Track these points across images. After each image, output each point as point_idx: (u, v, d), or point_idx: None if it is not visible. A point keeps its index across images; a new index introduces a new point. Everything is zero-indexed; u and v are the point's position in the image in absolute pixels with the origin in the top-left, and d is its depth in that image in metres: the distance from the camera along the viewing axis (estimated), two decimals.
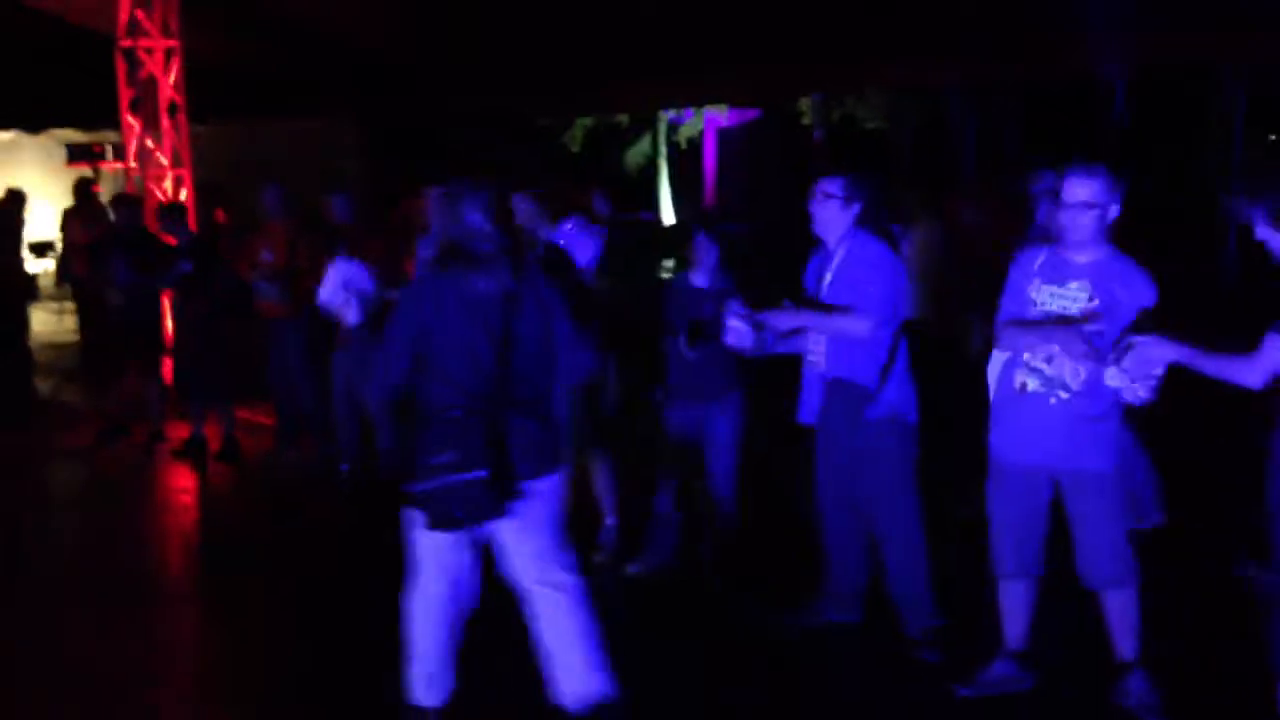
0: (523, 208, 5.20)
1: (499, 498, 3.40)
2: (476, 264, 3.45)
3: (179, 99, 8.46)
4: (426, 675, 3.61)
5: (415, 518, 3.50)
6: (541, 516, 3.56)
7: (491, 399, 3.43)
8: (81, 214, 10.40)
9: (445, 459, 3.34)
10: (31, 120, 17.26)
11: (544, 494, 3.55)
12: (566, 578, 3.60)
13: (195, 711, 4.22)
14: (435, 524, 3.41)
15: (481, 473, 3.34)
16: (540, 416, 3.56)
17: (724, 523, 4.97)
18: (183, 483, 7.20)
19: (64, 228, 10.96)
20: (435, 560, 3.55)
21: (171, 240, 7.63)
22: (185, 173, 8.48)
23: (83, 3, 11.44)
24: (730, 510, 4.96)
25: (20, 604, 5.16)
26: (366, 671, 4.20)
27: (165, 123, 8.46)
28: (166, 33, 8.42)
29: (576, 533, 5.34)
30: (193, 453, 7.43)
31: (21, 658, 4.58)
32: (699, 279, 4.96)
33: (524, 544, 3.56)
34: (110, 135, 10.47)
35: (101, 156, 9.72)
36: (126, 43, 8.58)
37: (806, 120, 21.29)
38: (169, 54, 8.45)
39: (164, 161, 8.50)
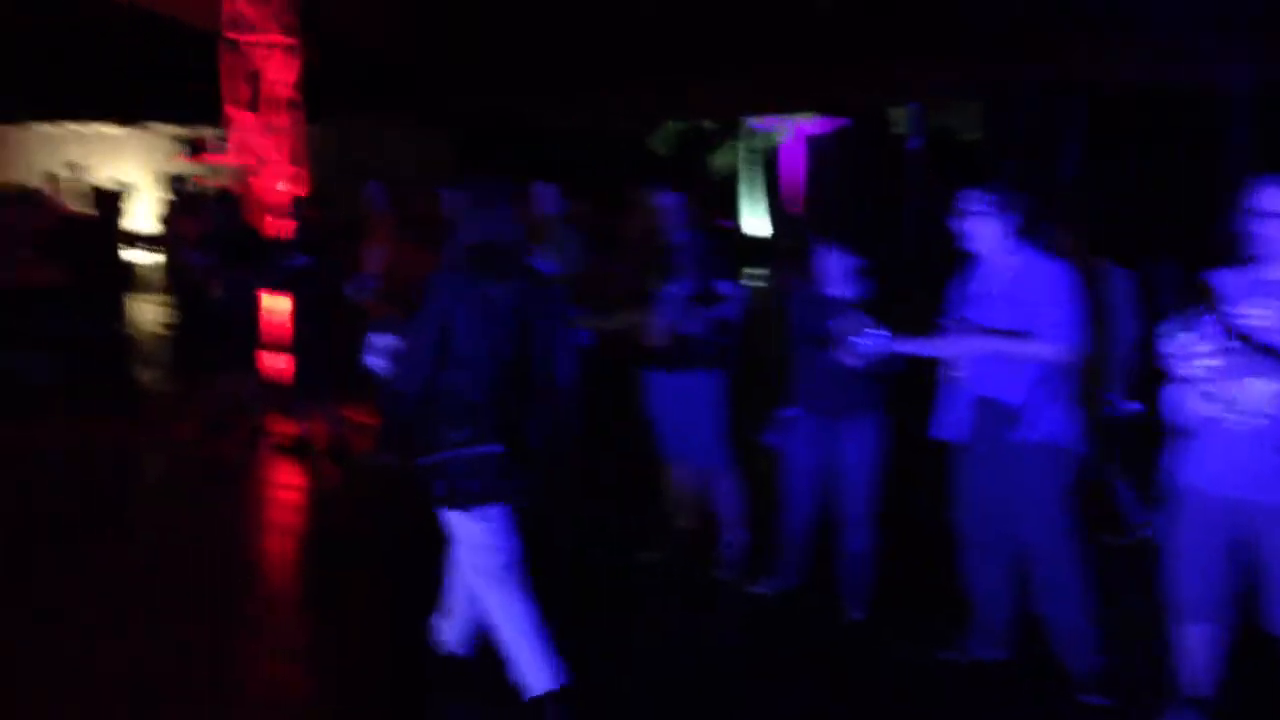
0: (666, 205, 5.07)
1: (513, 475, 3.64)
2: (500, 264, 3.68)
3: (295, 95, 8.45)
4: (534, 664, 3.67)
5: (453, 524, 3.69)
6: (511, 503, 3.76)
7: (507, 386, 3.66)
8: (186, 208, 10.46)
9: (461, 434, 3.57)
10: (133, 114, 17.57)
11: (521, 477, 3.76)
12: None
13: (289, 712, 4.15)
14: (445, 499, 3.62)
15: (496, 447, 3.58)
16: (549, 406, 3.80)
17: (858, 547, 4.74)
18: (286, 479, 7.14)
19: (168, 221, 11.05)
20: (494, 553, 3.70)
21: (283, 235, 7.58)
22: (300, 168, 8.46)
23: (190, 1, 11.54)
24: (866, 534, 4.73)
25: (119, 599, 5.08)
26: (460, 671, 4.10)
27: (279, 118, 8.44)
28: (281, 28, 8.41)
29: (699, 548, 5.28)
30: (299, 449, 7.38)
31: (118, 653, 4.51)
32: (828, 288, 4.74)
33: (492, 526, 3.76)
34: (214, 130, 10.53)
35: (211, 151, 9.78)
36: (233, 37, 8.58)
37: (898, 129, 20.88)
38: (284, 50, 8.44)
39: (275, 157, 8.49)
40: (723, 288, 5.06)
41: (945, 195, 4.35)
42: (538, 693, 3.67)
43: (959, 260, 4.21)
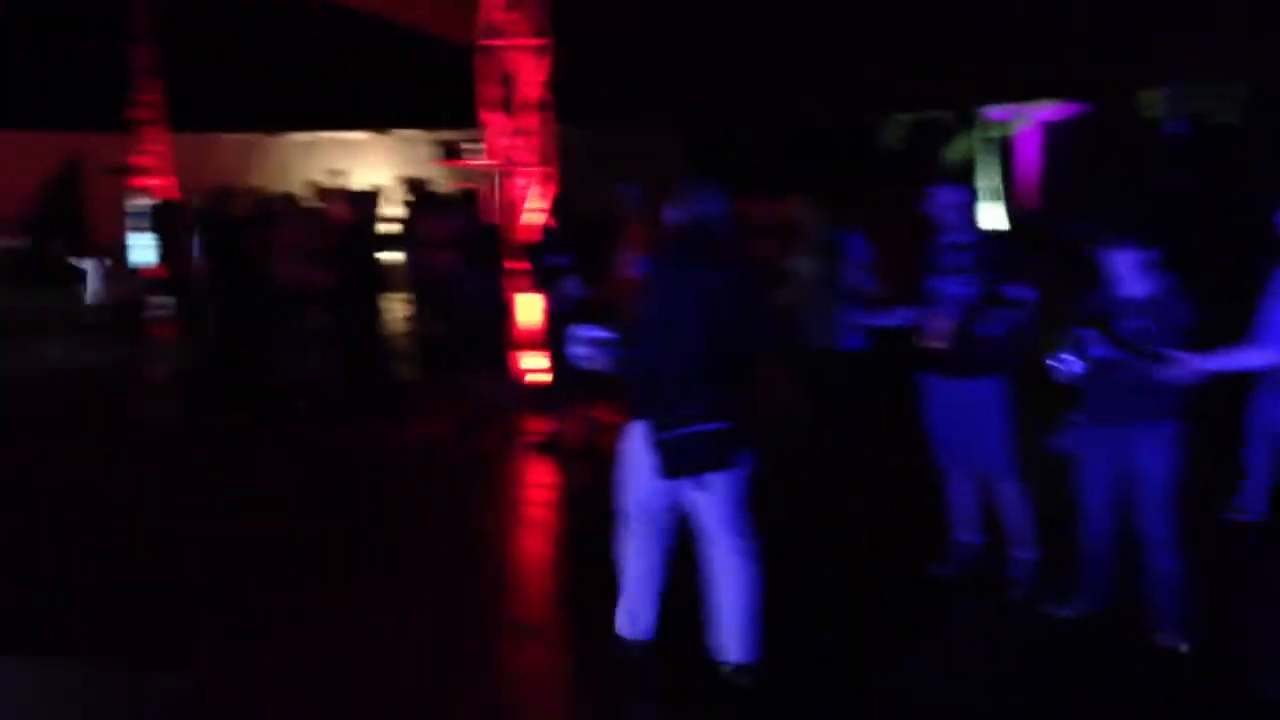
0: (951, 199, 4.81)
1: (731, 449, 3.83)
2: (711, 250, 3.88)
3: (547, 96, 8.53)
4: (630, 612, 4.08)
5: (637, 470, 3.97)
6: (732, 481, 3.95)
7: (724, 366, 3.85)
8: (432, 210, 10.79)
9: (690, 411, 3.77)
10: (385, 121, 18.41)
11: (744, 450, 3.94)
12: (742, 543, 4.01)
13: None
14: (671, 472, 3.82)
15: (724, 424, 3.78)
16: (749, 386, 3.97)
17: (1165, 565, 4.32)
18: (539, 477, 7.19)
19: (415, 223, 11.44)
20: (647, 510, 4.04)
21: (537, 236, 7.64)
22: (551, 169, 8.54)
23: (438, 11, 11.90)
24: (1170, 555, 4.31)
25: (375, 596, 5.15)
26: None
27: (531, 120, 8.53)
28: (535, 31, 8.52)
29: (986, 564, 4.96)
30: (551, 448, 7.42)
31: (378, 647, 4.56)
32: (1117, 287, 4.34)
33: (714, 504, 3.98)
34: (464, 134, 10.81)
35: (464, 155, 10.05)
36: (486, 43, 8.72)
37: (1147, 114, 19.58)
38: (536, 51, 8.54)
39: (526, 159, 8.56)
40: (1013, 291, 4.71)
41: (1206, 181, 3.96)
42: (621, 634, 4.11)
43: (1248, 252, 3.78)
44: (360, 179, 15.99)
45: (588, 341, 3.99)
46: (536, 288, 7.59)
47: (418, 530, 6.13)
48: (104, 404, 9.49)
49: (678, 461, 3.82)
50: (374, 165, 17.99)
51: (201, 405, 9.38)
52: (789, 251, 6.66)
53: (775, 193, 7.31)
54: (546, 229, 7.45)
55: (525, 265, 7.51)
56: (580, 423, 7.39)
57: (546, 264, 7.25)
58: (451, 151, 10.82)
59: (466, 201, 9.03)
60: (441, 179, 15.75)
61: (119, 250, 14.13)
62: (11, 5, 16.37)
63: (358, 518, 6.30)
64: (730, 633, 3.99)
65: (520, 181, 8.65)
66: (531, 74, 8.58)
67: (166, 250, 12.37)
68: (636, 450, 3.99)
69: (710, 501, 3.97)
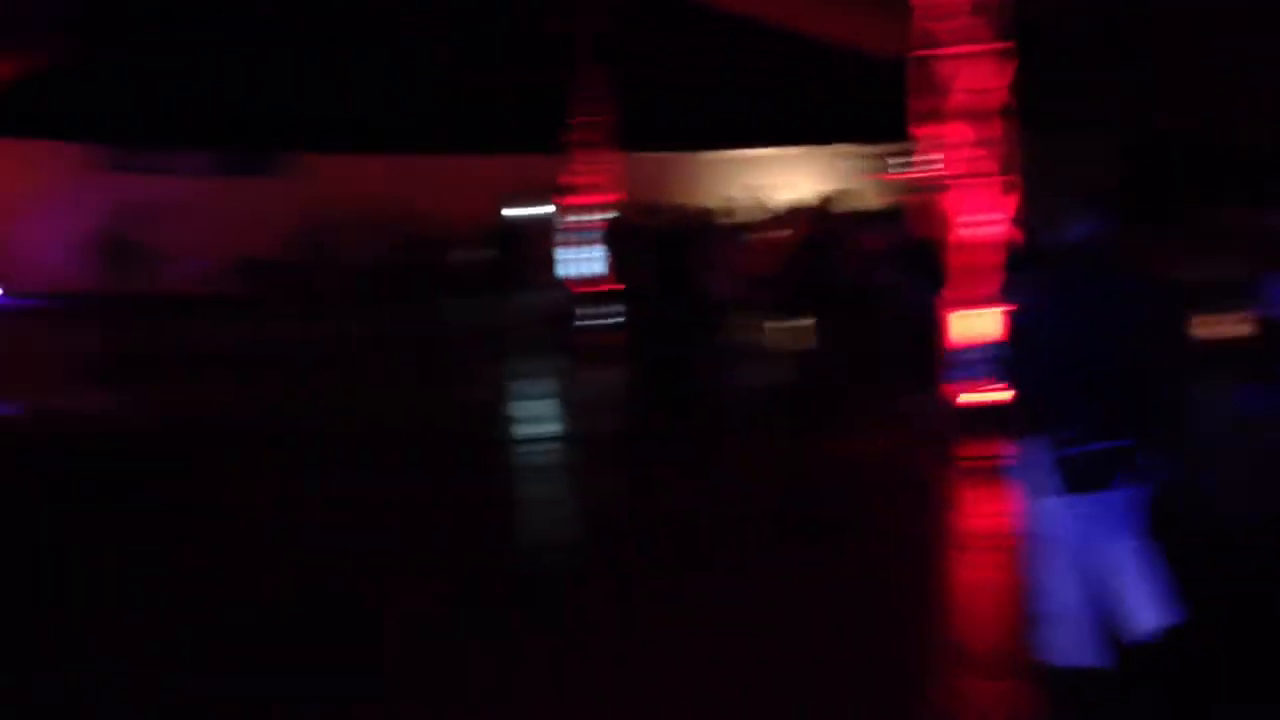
0: None
1: (1130, 466, 3.73)
2: (1099, 268, 3.83)
3: (1005, 102, 8.18)
4: (1072, 640, 3.83)
5: (1038, 488, 3.84)
6: (1133, 496, 3.82)
7: (1119, 381, 3.74)
8: (866, 224, 10.71)
9: (1085, 428, 3.71)
10: (809, 136, 18.63)
11: (1144, 467, 3.80)
12: (1142, 543, 3.86)
13: None
14: (1069, 488, 3.75)
15: (1121, 441, 3.70)
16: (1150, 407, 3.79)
17: None
18: (974, 501, 6.94)
19: (855, 236, 11.40)
20: (1056, 528, 3.86)
21: (995, 251, 7.33)
22: (1015, 179, 8.15)
23: (863, 26, 11.86)
24: None
25: (796, 602, 5.19)
26: None
27: (993, 129, 8.19)
28: (990, 34, 8.22)
29: None
30: (989, 472, 7.09)
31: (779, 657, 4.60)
32: None
33: (1113, 518, 3.82)
34: (894, 146, 10.64)
35: (891, 168, 9.89)
36: (923, 53, 8.49)
37: None
38: (996, 56, 8.23)
39: (987, 169, 8.18)
40: None
41: None
42: (1063, 663, 3.86)
43: None
44: (783, 195, 16.17)
45: (970, 363, 3.94)
46: (1006, 302, 7.28)
47: (846, 546, 6.18)
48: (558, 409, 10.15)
49: (1075, 478, 3.78)
50: (801, 180, 18.03)
51: (641, 411, 9.84)
52: (1261, 266, 5.99)
53: (1242, 202, 6.58)
54: (1014, 243, 7.15)
55: (964, 281, 7.19)
56: (1013, 445, 7.00)
57: (1014, 279, 6.95)
58: (886, 165, 10.73)
59: (898, 215, 8.81)
60: (869, 193, 15.59)
61: (552, 264, 15.30)
62: (471, 45, 18.22)
63: (784, 530, 6.48)
64: (1143, 605, 3.85)
65: (965, 194, 8.30)
66: (988, 80, 8.24)
67: (618, 265, 13.20)
68: (1036, 467, 3.93)
69: (1109, 514, 3.85)
